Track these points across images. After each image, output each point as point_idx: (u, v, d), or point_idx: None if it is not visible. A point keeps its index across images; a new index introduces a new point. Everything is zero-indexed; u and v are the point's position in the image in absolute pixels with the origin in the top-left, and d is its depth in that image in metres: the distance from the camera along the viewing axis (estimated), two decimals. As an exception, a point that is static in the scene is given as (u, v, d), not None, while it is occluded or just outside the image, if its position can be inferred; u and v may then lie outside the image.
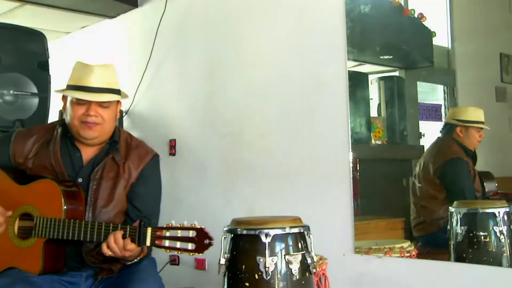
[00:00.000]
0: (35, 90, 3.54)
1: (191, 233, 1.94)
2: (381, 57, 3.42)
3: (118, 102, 2.39)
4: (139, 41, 4.19)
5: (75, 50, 4.85)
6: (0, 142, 2.38)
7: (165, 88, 3.98)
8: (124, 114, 4.18)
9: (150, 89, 4.07)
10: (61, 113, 3.93)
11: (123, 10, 4.28)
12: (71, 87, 2.30)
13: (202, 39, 3.74)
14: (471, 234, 2.64)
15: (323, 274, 2.45)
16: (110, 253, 2.04)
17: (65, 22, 4.58)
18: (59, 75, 3.14)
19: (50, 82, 3.61)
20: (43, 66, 3.62)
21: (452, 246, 2.71)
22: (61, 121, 2.39)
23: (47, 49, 3.66)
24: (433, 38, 3.15)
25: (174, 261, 3.73)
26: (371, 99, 3.30)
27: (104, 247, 2.04)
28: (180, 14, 3.87)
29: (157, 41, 3.95)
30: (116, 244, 2.02)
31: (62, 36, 4.97)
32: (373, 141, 3.26)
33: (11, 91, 3.42)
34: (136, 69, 4.10)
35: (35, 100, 3.54)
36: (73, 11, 4.28)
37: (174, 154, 3.85)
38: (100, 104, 2.27)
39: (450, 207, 2.76)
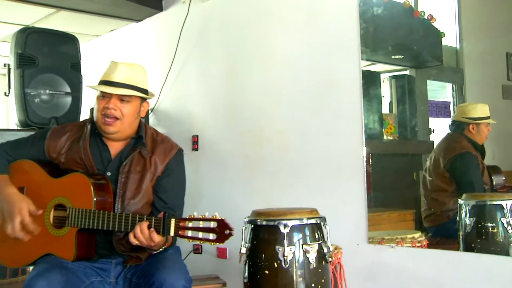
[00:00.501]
0: (68, 90, 3.59)
1: (212, 224, 1.93)
2: (393, 56, 3.39)
3: (144, 101, 2.39)
4: (163, 43, 4.19)
5: (105, 51, 4.89)
6: (37, 138, 2.40)
7: (188, 87, 3.98)
8: (149, 111, 4.20)
9: (174, 88, 4.08)
10: (92, 110, 3.98)
11: (149, 14, 4.30)
12: (99, 83, 2.32)
13: (223, 41, 3.73)
14: (479, 225, 2.61)
15: (339, 263, 2.43)
16: (136, 242, 2.04)
17: (95, 26, 4.62)
18: (90, 75, 3.16)
19: (82, 82, 3.67)
20: (76, 67, 3.68)
21: (461, 237, 2.68)
22: (91, 119, 2.40)
23: (79, 51, 3.71)
24: (442, 39, 3.14)
25: (197, 250, 3.73)
26: (383, 96, 3.27)
27: (131, 236, 2.05)
28: (202, 18, 3.86)
29: (180, 43, 3.95)
30: (142, 234, 2.02)
31: (93, 39, 5.01)
32: (385, 137, 3.23)
33: (47, 91, 3.47)
34: (161, 69, 4.11)
35: (69, 99, 3.58)
36: (103, 16, 4.32)
37: (196, 149, 3.85)
38: (121, 98, 2.27)
39: (459, 199, 2.73)
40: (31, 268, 2.27)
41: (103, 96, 2.28)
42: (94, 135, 2.35)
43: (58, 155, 2.33)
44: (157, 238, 2.01)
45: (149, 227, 2.02)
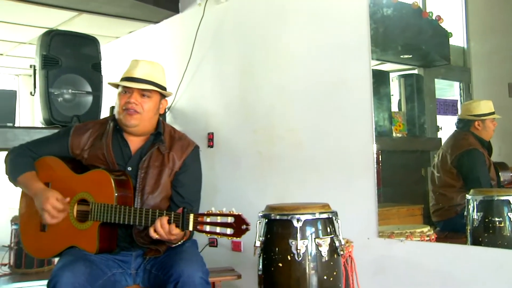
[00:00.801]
0: (89, 89, 3.61)
1: (230, 219, 1.93)
2: (402, 56, 3.37)
3: (163, 98, 2.39)
4: (180, 43, 4.20)
5: (124, 52, 4.91)
6: (60, 135, 2.41)
7: (203, 86, 3.98)
8: (167, 110, 4.20)
9: (190, 88, 4.09)
10: (112, 109, 4.00)
11: (166, 16, 4.31)
12: (120, 80, 2.33)
13: (237, 42, 3.73)
14: (486, 220, 2.59)
15: (350, 256, 2.43)
16: (157, 236, 2.05)
17: (115, 28, 4.65)
18: (110, 75, 3.18)
19: (102, 82, 3.69)
20: (97, 67, 3.69)
21: (469, 231, 2.66)
22: (113, 116, 2.41)
23: (100, 52, 3.73)
24: (450, 38, 3.11)
25: (212, 243, 3.74)
26: (392, 95, 3.25)
27: (151, 231, 2.06)
28: (217, 20, 3.86)
29: (196, 44, 3.96)
30: (162, 229, 2.03)
31: (112, 40, 5.04)
32: (394, 134, 3.21)
33: (70, 90, 3.50)
34: (177, 69, 4.12)
35: (90, 98, 3.60)
36: (122, 18, 4.35)
37: (212, 146, 3.86)
38: (142, 93, 2.28)
39: (467, 195, 2.71)
40: (55, 259, 2.29)
41: (125, 91, 2.29)
42: (115, 132, 2.36)
43: (82, 151, 2.34)
44: (176, 232, 2.02)
45: (168, 222, 2.02)
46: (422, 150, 3.30)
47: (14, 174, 2.30)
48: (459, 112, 3.06)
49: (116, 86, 2.36)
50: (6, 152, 2.39)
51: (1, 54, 5.57)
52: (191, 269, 2.04)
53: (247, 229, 1.92)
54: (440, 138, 3.15)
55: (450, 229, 2.90)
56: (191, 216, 1.99)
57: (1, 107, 3.51)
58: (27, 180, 2.28)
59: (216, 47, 3.86)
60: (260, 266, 2.22)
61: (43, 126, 3.51)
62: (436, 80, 3.30)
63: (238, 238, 1.93)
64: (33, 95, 3.55)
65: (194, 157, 2.40)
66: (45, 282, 2.15)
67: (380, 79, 3.06)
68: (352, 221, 2.59)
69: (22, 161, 2.33)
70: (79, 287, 1.94)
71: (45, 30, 3.74)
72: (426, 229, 2.79)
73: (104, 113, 3.83)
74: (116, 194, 2.16)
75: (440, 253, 2.61)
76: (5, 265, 4.71)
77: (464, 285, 2.49)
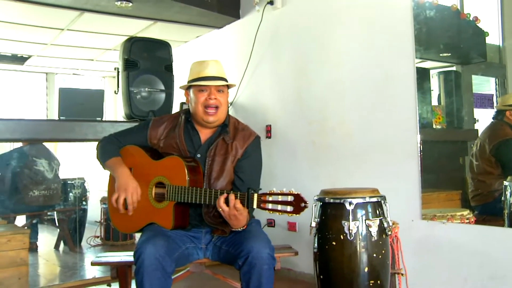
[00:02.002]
0: (162, 87, 3.65)
1: (290, 198, 1.89)
2: (441, 54, 3.23)
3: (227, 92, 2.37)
4: (241, 46, 4.19)
5: (192, 55, 4.95)
6: (141, 127, 2.44)
7: (262, 83, 3.96)
8: (229, 104, 4.20)
9: (250, 85, 4.07)
10: (182, 104, 4.05)
11: (228, 22, 4.31)
12: (192, 81, 2.30)
13: (292, 43, 3.68)
14: (523, 204, 2.48)
15: (396, 236, 2.36)
16: (222, 207, 2.02)
17: (184, 33, 4.69)
18: (180, 75, 3.20)
19: (173, 81, 3.72)
20: (169, 68, 3.74)
21: (506, 215, 2.59)
22: (185, 110, 2.41)
23: (172, 55, 3.77)
24: (486, 37, 2.99)
25: (270, 223, 3.73)
26: (432, 90, 3.15)
27: (220, 201, 2.02)
28: (273, 24, 3.82)
29: (255, 45, 3.94)
30: (229, 202, 2.00)
31: (182, 44, 5.09)
32: (434, 126, 3.10)
33: (146, 89, 3.55)
34: (239, 69, 4.11)
35: (163, 95, 3.65)
36: (190, 24, 4.38)
37: (269, 137, 3.83)
38: (218, 89, 2.26)
39: (504, 181, 2.63)
40: (136, 235, 2.30)
41: (202, 90, 2.26)
42: (187, 124, 2.36)
43: (158, 141, 2.35)
44: (239, 207, 1.99)
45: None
46: (461, 141, 3.19)
47: (103, 159, 2.35)
48: (495, 105, 2.93)
49: (187, 88, 2.34)
50: (96, 142, 2.45)
51: (92, 60, 5.76)
52: (259, 245, 2.01)
53: (305, 207, 1.87)
54: (477, 130, 3.04)
55: (488, 213, 2.80)
56: (255, 195, 1.96)
57: (91, 105, 3.62)
58: (114, 164, 2.32)
59: (273, 48, 3.83)
60: (316, 244, 2.19)
61: (125, 120, 3.59)
62: (473, 76, 3.19)
63: (297, 215, 1.88)
64: (116, 94, 3.63)
65: (255, 145, 2.36)
66: (130, 253, 2.19)
67: (422, 76, 2.97)
68: (398, 204, 2.51)
69: (110, 148, 2.37)
70: (159, 258, 1.96)
71: (127, 37, 3.81)
72: (465, 212, 2.71)
73: (175, 108, 3.87)
74: (188, 178, 2.15)
75: (479, 234, 2.53)
76: (97, 237, 4.92)
77: (501, 263, 2.40)
